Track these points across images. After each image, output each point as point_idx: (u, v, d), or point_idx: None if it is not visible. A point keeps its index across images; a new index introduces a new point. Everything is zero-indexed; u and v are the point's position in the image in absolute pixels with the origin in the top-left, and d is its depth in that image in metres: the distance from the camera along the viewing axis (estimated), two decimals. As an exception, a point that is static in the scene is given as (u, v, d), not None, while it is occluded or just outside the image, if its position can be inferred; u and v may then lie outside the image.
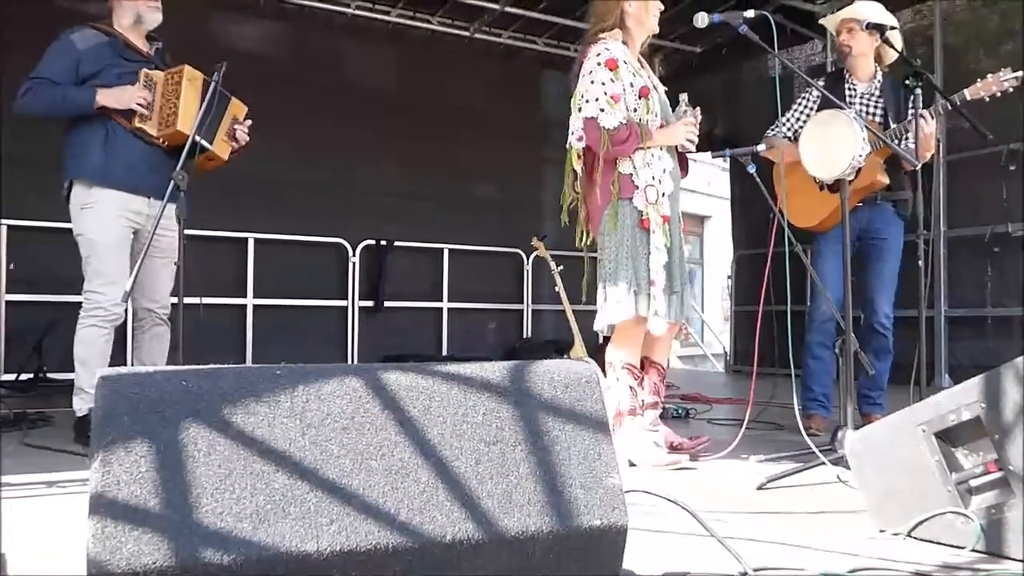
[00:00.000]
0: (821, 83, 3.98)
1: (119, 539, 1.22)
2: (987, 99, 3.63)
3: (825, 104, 3.83)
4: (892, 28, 3.91)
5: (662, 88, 3.40)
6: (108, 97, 3.42)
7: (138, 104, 3.43)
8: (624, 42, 3.25)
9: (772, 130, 4.15)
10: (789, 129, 4.11)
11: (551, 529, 1.48)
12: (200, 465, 1.32)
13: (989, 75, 3.62)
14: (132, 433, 1.31)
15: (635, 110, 3.17)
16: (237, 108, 3.75)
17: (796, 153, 3.44)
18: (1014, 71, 3.59)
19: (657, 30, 3.33)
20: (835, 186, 3.72)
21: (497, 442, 1.52)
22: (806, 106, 4.12)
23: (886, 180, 3.86)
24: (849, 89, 4.05)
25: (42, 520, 2.27)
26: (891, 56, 4.03)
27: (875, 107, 4.01)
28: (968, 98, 3.65)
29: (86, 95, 3.42)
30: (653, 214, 3.15)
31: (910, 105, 3.72)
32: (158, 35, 3.73)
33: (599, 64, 3.15)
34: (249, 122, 3.78)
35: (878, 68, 4.06)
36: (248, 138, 3.77)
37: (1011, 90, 3.62)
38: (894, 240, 4.02)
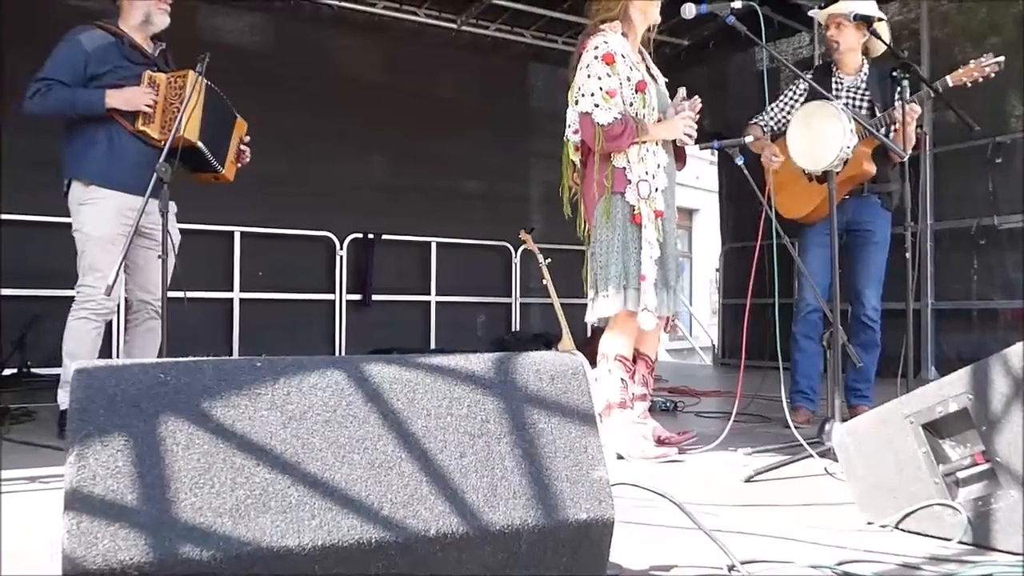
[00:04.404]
0: (809, 76, 3.97)
1: (95, 535, 1.19)
2: (969, 84, 3.62)
3: (812, 97, 3.82)
4: (879, 20, 3.91)
5: (662, 79, 3.38)
6: (117, 99, 3.42)
7: (147, 106, 3.43)
8: (624, 33, 3.23)
9: (757, 118, 4.14)
10: (773, 119, 4.11)
11: (537, 523, 1.46)
12: (179, 459, 1.29)
13: (971, 61, 3.62)
14: (109, 427, 1.28)
15: (632, 104, 3.15)
16: (240, 127, 3.79)
17: (779, 152, 3.43)
18: (995, 56, 3.58)
19: (659, 20, 3.31)
20: (823, 177, 3.72)
21: (482, 435, 1.50)
22: (792, 98, 4.11)
23: (873, 169, 3.85)
24: (836, 82, 4.05)
25: (24, 516, 2.24)
26: (879, 48, 4.03)
27: (862, 99, 4.00)
28: (950, 84, 3.64)
29: (96, 97, 3.40)
30: (645, 209, 3.13)
31: (896, 97, 3.72)
32: (162, 36, 3.70)
33: (596, 58, 3.13)
34: (248, 138, 3.81)
35: (864, 61, 4.05)
36: (249, 157, 3.83)
37: (992, 76, 3.61)
38: (881, 232, 4.02)
